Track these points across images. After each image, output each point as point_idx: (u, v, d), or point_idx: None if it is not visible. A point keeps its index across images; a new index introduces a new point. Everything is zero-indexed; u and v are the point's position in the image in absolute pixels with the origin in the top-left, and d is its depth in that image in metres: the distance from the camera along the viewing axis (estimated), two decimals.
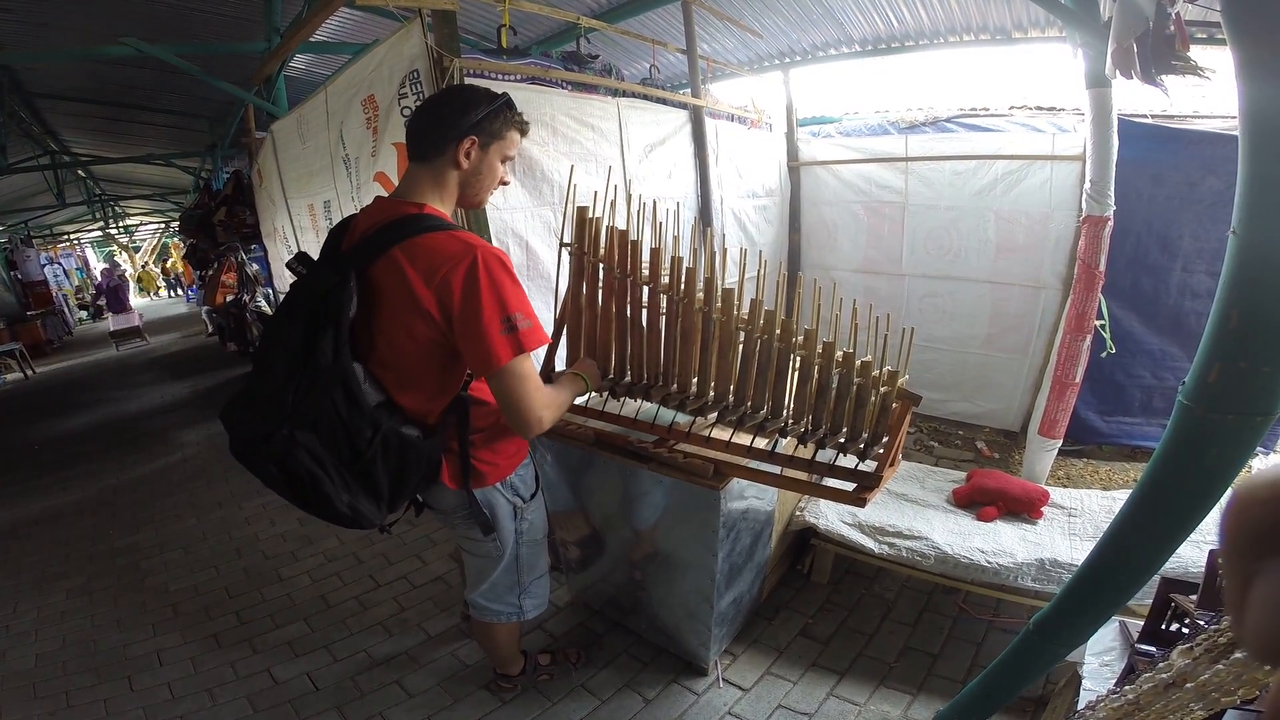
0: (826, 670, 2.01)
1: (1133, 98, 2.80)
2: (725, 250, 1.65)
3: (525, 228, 2.34)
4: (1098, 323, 2.73)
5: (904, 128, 3.84)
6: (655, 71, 3.81)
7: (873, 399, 1.40)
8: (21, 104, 5.71)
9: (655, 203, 1.68)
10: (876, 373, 1.39)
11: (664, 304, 1.65)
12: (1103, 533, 1.14)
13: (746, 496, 1.84)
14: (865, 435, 1.44)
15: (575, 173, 1.87)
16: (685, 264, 1.59)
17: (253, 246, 5.73)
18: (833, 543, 2.32)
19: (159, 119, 6.53)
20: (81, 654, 2.32)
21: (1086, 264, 2.64)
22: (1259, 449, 2.96)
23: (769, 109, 4.09)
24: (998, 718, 1.53)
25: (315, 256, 1.31)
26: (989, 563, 2.05)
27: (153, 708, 2.02)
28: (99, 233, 15.72)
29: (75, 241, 16.72)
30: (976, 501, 2.38)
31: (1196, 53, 1.76)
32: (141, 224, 16.82)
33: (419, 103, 2.04)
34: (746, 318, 1.52)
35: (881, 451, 1.43)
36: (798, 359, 1.48)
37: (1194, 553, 1.79)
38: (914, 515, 2.35)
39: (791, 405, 1.52)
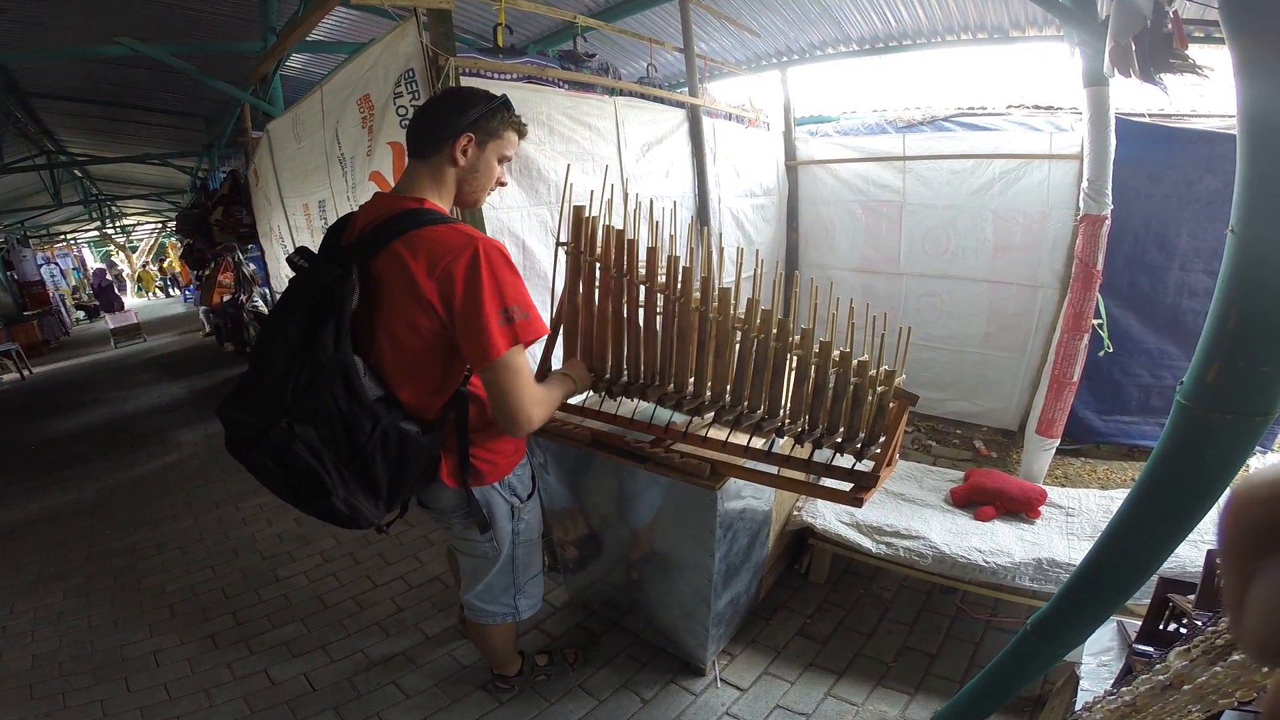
0: (824, 670, 2.01)
1: (1130, 97, 2.80)
2: (722, 249, 1.65)
3: (521, 227, 2.33)
4: (1095, 322, 2.73)
5: (901, 127, 3.83)
6: (653, 70, 3.81)
7: (870, 398, 1.40)
8: (17, 104, 5.69)
9: (652, 202, 1.67)
10: (873, 372, 1.39)
11: (661, 303, 1.64)
12: (1100, 533, 1.14)
13: (743, 496, 1.84)
14: (862, 435, 1.43)
15: (572, 172, 1.87)
16: (682, 263, 1.58)
17: (249, 246, 5.71)
18: (830, 542, 2.31)
19: (155, 118, 6.51)
20: (78, 655, 2.31)
21: (1084, 263, 2.64)
22: (1257, 448, 2.98)
23: (766, 108, 4.08)
24: (996, 717, 1.53)
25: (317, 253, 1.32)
26: (986, 562, 2.05)
27: (150, 708, 2.01)
28: (96, 233, 15.68)
29: (72, 241, 16.68)
30: (974, 501, 2.38)
31: (1194, 51, 1.75)
32: (138, 224, 16.79)
33: (415, 102, 2.03)
34: (743, 317, 1.51)
35: (879, 451, 1.42)
36: (794, 358, 1.48)
37: (1192, 552, 1.79)
38: (911, 515, 2.35)
39: (788, 405, 1.52)
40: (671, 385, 1.66)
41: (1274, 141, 0.79)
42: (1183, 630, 1.34)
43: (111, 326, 10.32)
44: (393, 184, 1.39)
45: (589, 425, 1.86)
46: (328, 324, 1.17)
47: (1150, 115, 3.02)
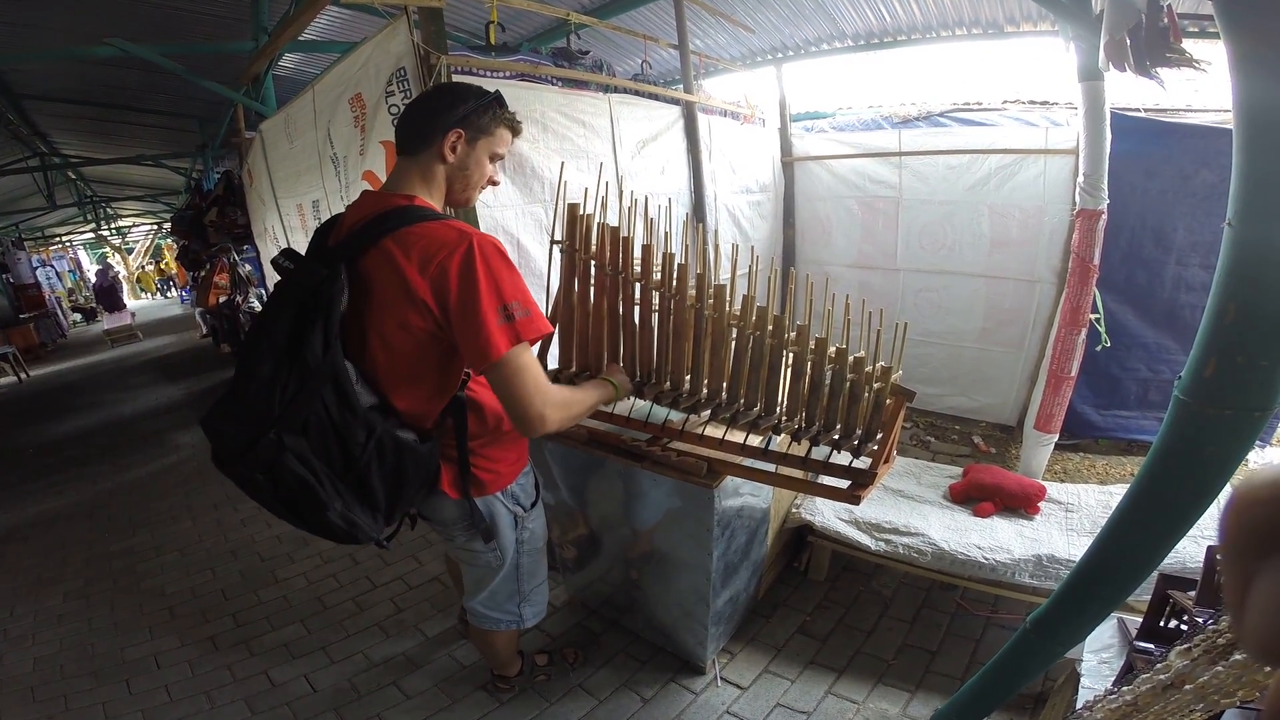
0: (825, 668, 2.01)
1: (1125, 91, 2.79)
2: (717, 246, 1.64)
3: (516, 225, 2.32)
4: (1093, 316, 2.72)
5: (897, 122, 3.82)
6: (647, 67, 3.79)
7: (866, 395, 1.40)
8: (9, 106, 5.65)
9: (647, 199, 1.67)
10: (870, 368, 1.38)
11: (656, 301, 1.63)
12: (1100, 528, 1.13)
13: (741, 494, 1.84)
14: (859, 431, 1.43)
15: (566, 169, 1.86)
16: (677, 260, 1.58)
17: (245, 247, 5.69)
18: (829, 540, 2.31)
19: (149, 120, 6.47)
20: (79, 657, 2.31)
21: (1081, 258, 2.63)
22: (1257, 443, 2.98)
23: (762, 104, 4.07)
24: (997, 715, 1.53)
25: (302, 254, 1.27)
26: (986, 559, 2.05)
27: (151, 711, 2.01)
28: (91, 234, 15.62)
29: (68, 244, 16.62)
30: (973, 497, 2.38)
31: (1189, 46, 1.75)
32: (134, 225, 16.73)
33: (407, 101, 2.02)
34: (739, 314, 1.51)
35: (876, 448, 1.42)
36: (791, 355, 1.47)
37: (1192, 548, 1.79)
38: (910, 511, 2.35)
39: (785, 402, 1.52)
40: (668, 383, 1.66)
41: (1270, 135, 0.79)
42: (1183, 627, 1.33)
43: (106, 327, 10.44)
44: (383, 183, 1.35)
45: (586, 424, 1.85)
46: (316, 327, 1.11)
47: (1145, 110, 3.01)
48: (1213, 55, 1.71)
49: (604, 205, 1.65)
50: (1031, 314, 3.43)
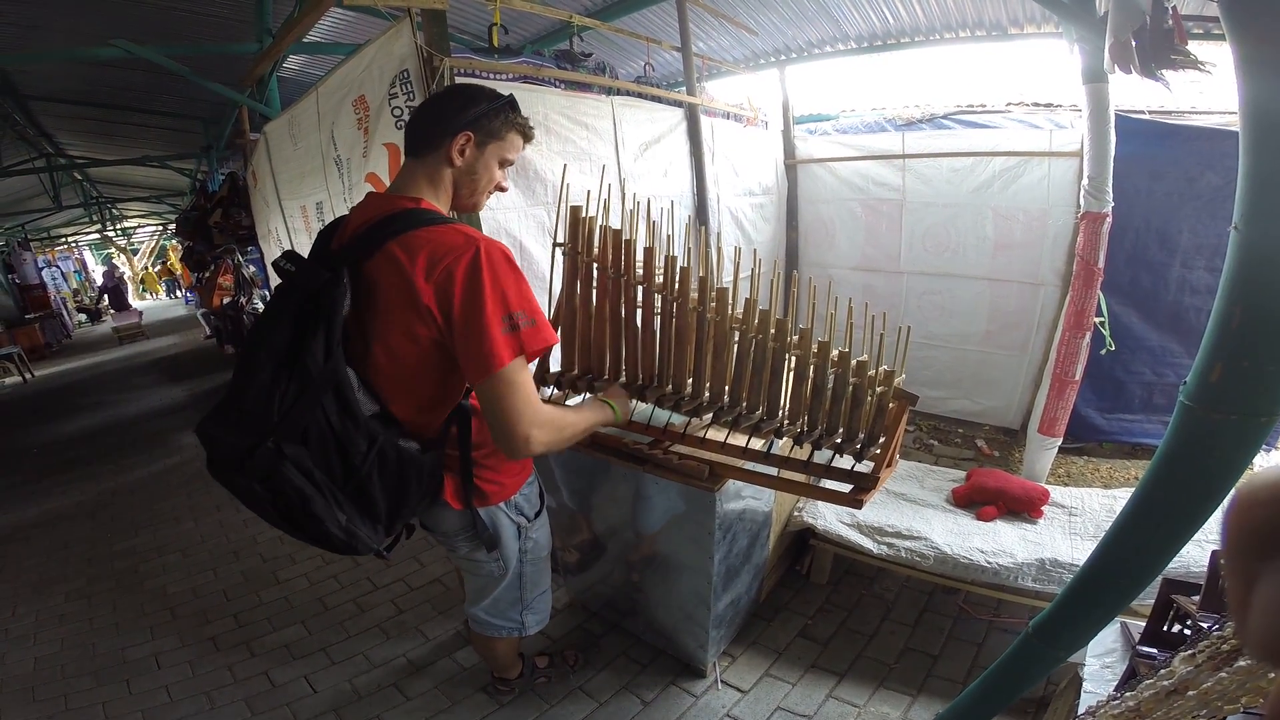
0: (826, 672, 2.00)
1: (1130, 94, 2.79)
2: (720, 249, 1.64)
3: (519, 228, 2.33)
4: (1097, 320, 2.71)
5: (901, 125, 3.82)
6: (650, 70, 3.80)
7: (869, 398, 1.39)
8: (15, 107, 5.68)
9: (649, 201, 1.66)
10: (873, 372, 1.38)
11: (658, 304, 1.63)
12: (1103, 533, 1.12)
13: (743, 497, 1.83)
14: (862, 435, 1.42)
15: (569, 172, 1.86)
16: (680, 263, 1.57)
17: (249, 249, 5.69)
18: (831, 543, 2.30)
19: (154, 121, 6.49)
20: (80, 657, 2.31)
21: (1085, 261, 2.63)
22: (1263, 446, 2.97)
23: (765, 107, 4.07)
24: (998, 719, 1.52)
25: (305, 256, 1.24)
26: (988, 563, 2.04)
27: (151, 711, 2.01)
28: (97, 235, 15.70)
29: (73, 244, 16.70)
30: (976, 501, 2.37)
31: (1194, 47, 1.74)
32: (139, 226, 16.80)
33: (410, 103, 2.02)
34: (741, 317, 1.50)
35: (878, 452, 1.42)
36: (793, 358, 1.47)
37: (1196, 552, 1.77)
38: (913, 515, 2.34)
39: (787, 405, 1.51)
40: (669, 386, 1.65)
41: (1277, 137, 0.78)
42: (1187, 632, 1.32)
43: (114, 325, 10.62)
44: (389, 185, 1.33)
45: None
46: (317, 333, 1.08)
47: (1150, 112, 3.00)
48: (1218, 57, 1.71)
49: (606, 208, 1.65)
50: (1035, 317, 3.43)
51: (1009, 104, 3.64)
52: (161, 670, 2.20)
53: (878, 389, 1.38)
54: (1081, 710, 1.22)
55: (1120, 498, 2.34)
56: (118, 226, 15.24)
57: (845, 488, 1.48)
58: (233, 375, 1.13)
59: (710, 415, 1.60)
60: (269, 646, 2.28)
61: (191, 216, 6.23)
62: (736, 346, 1.53)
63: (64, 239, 15.45)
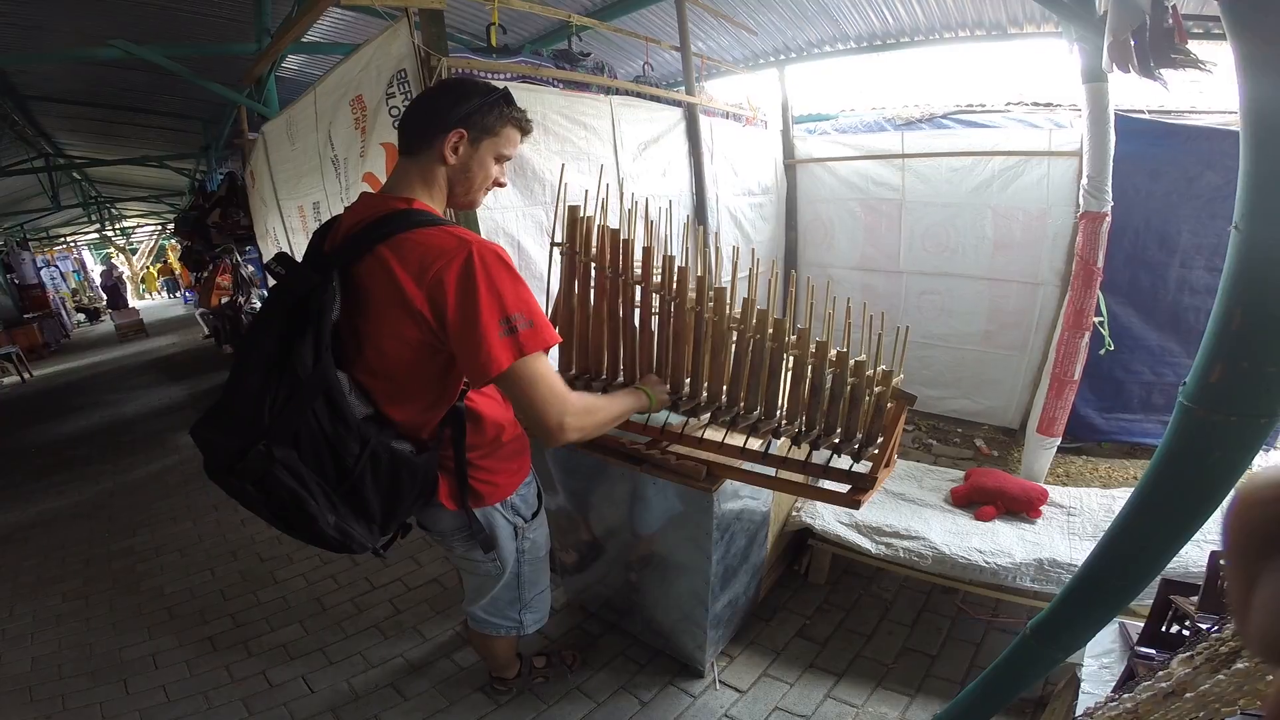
0: (824, 672, 2.00)
1: (1130, 93, 2.78)
2: (718, 249, 1.63)
3: (517, 228, 2.32)
4: (1096, 320, 2.71)
5: (900, 124, 3.82)
6: (649, 69, 3.80)
7: (867, 398, 1.39)
8: (14, 107, 5.68)
9: (648, 201, 1.66)
10: (871, 372, 1.37)
11: (656, 303, 1.63)
12: (1102, 533, 1.12)
13: (741, 497, 1.83)
14: (860, 436, 1.42)
15: (567, 171, 1.86)
16: (677, 263, 1.57)
17: (247, 248, 5.70)
18: (830, 543, 2.30)
19: (153, 121, 6.49)
20: (77, 657, 2.31)
21: (1084, 260, 2.62)
22: (1264, 446, 2.96)
23: (764, 106, 4.07)
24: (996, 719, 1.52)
25: (300, 258, 1.23)
26: (987, 563, 2.04)
27: (148, 711, 2.01)
28: (95, 235, 15.69)
29: (72, 244, 16.69)
30: (975, 501, 2.37)
31: (1194, 46, 1.73)
32: (138, 226, 16.79)
33: (408, 102, 2.02)
34: (739, 317, 1.50)
35: (876, 452, 1.41)
36: (791, 358, 1.47)
37: (1195, 553, 1.77)
38: (911, 515, 2.34)
39: (785, 405, 1.51)
40: (668, 386, 1.65)
41: (1278, 136, 0.77)
42: (1185, 633, 1.32)
43: (116, 322, 10.79)
44: (383, 185, 1.31)
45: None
46: (306, 337, 1.07)
47: (1150, 112, 3.00)
48: (1218, 56, 1.70)
49: (605, 207, 1.65)
50: (1035, 317, 3.43)
51: (1008, 104, 3.64)
52: (159, 670, 2.20)
53: (876, 389, 1.38)
54: (1079, 711, 1.22)
55: (1119, 498, 2.34)
56: (116, 226, 15.24)
57: (843, 488, 1.48)
58: (227, 378, 1.13)
59: (708, 415, 1.60)
60: (266, 646, 2.28)
61: (190, 216, 6.23)
62: (734, 346, 1.53)
63: (63, 239, 15.45)
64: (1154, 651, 1.27)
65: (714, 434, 1.64)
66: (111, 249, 17.49)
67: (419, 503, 1.31)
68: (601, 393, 1.70)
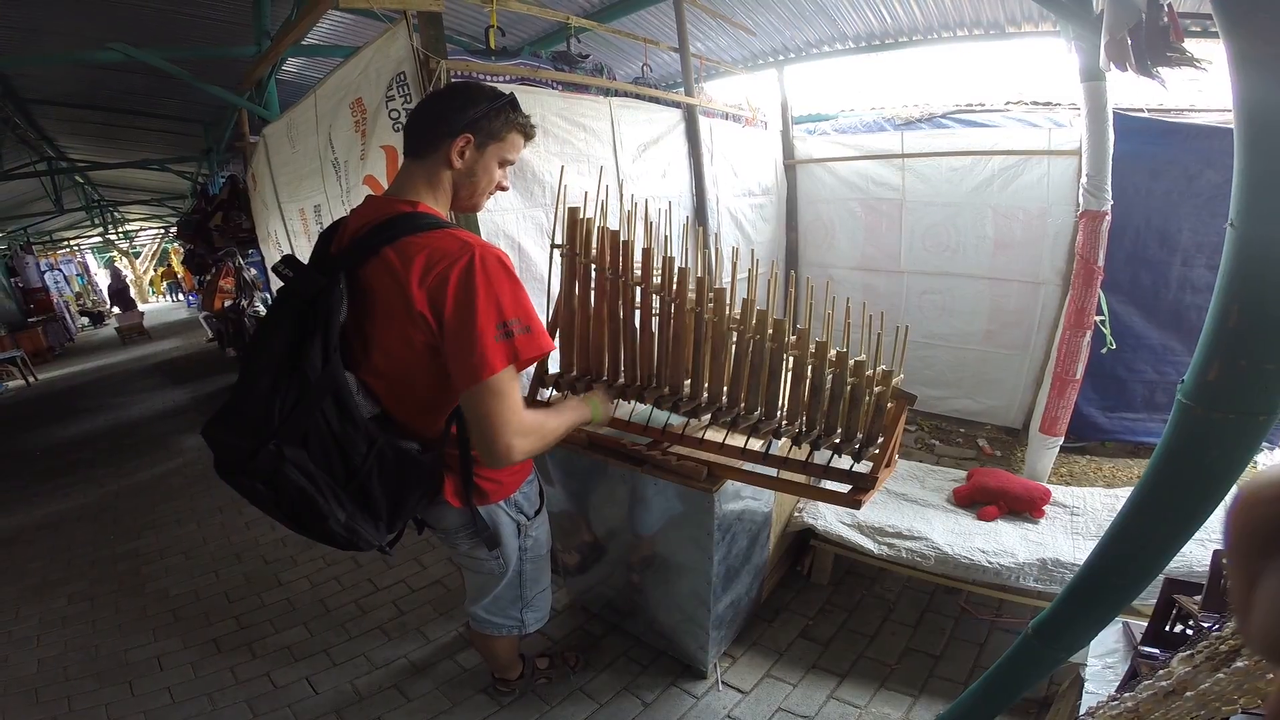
0: (827, 672, 2.00)
1: (1129, 92, 2.78)
2: (717, 250, 1.64)
3: (517, 229, 2.33)
4: (1097, 318, 2.71)
5: (900, 124, 3.82)
6: (648, 71, 3.80)
7: (867, 399, 1.39)
8: (16, 110, 5.70)
9: (647, 202, 1.66)
10: (870, 372, 1.37)
11: (656, 305, 1.63)
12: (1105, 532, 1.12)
13: (742, 498, 1.83)
14: (860, 436, 1.42)
15: (567, 173, 1.86)
16: (677, 264, 1.57)
17: (250, 251, 5.72)
18: (832, 544, 2.30)
19: (154, 124, 6.51)
20: (83, 659, 2.32)
21: (1085, 259, 2.62)
22: (1265, 445, 2.95)
23: (764, 107, 4.07)
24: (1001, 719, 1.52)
25: (305, 261, 1.25)
26: (990, 563, 2.04)
27: (153, 712, 2.02)
28: (99, 238, 15.75)
29: (75, 248, 16.75)
30: (977, 501, 2.36)
31: (1191, 45, 1.73)
32: (141, 229, 16.85)
33: (407, 105, 2.02)
34: (739, 318, 1.50)
35: (877, 452, 1.41)
36: (791, 359, 1.47)
37: (1199, 552, 1.77)
38: (914, 515, 2.33)
39: (785, 406, 1.51)
40: (668, 387, 1.65)
41: (1272, 134, 0.77)
42: (1189, 632, 1.32)
43: (117, 325, 10.98)
44: (386, 188, 1.33)
45: (586, 429, 1.85)
46: (314, 339, 1.10)
47: (1149, 110, 3.00)
48: (1214, 54, 1.70)
49: (604, 209, 1.65)
50: (1036, 316, 3.42)
51: (1008, 103, 3.65)
52: (164, 672, 2.21)
53: (875, 389, 1.38)
54: (1083, 711, 1.22)
55: (1122, 497, 2.31)
56: (119, 230, 15.29)
57: (844, 488, 1.48)
58: (236, 379, 1.16)
59: (708, 416, 1.60)
60: (271, 648, 2.29)
61: (192, 219, 6.25)
62: (734, 347, 1.53)
63: (66, 242, 15.49)
64: (1158, 651, 1.27)
65: (715, 435, 1.64)
66: (115, 252, 17.55)
67: (425, 500, 1.33)
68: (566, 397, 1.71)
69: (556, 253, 1.77)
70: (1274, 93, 0.75)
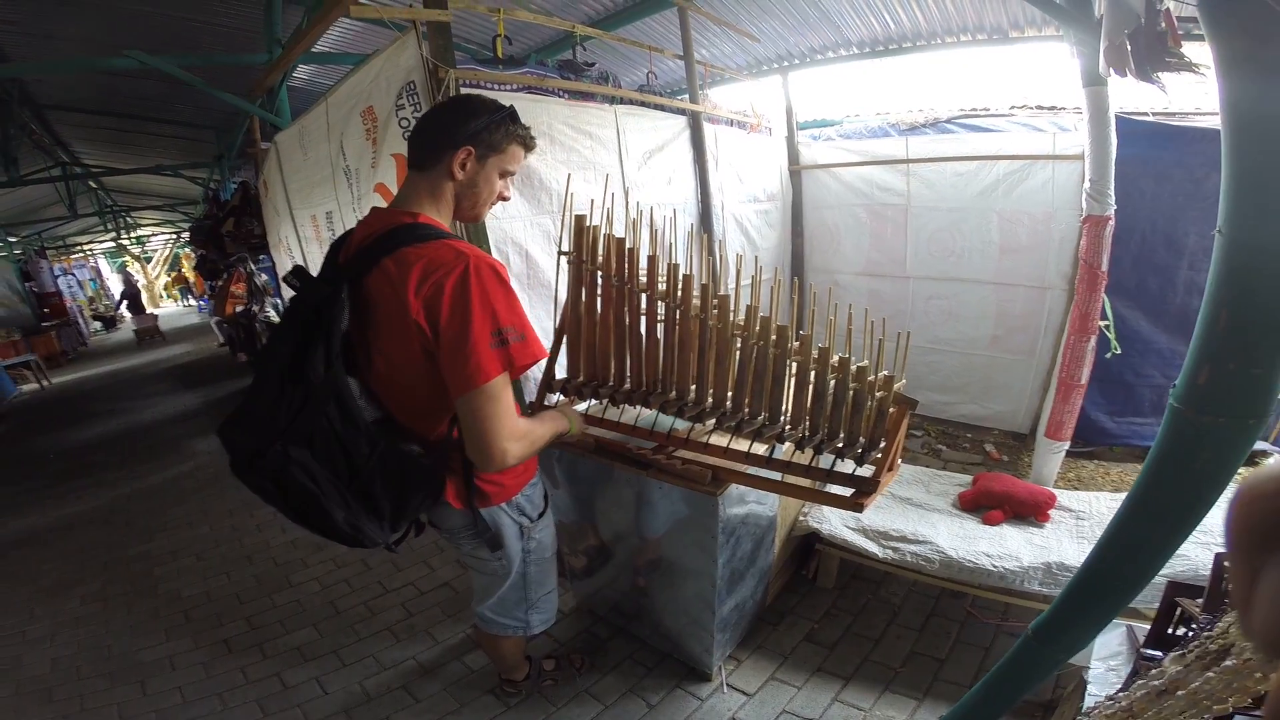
0: (832, 675, 2.00)
1: (1134, 96, 2.78)
2: (722, 256, 1.66)
3: (524, 236, 2.35)
4: (1102, 323, 2.70)
5: (904, 129, 3.83)
6: (653, 78, 3.82)
7: (869, 403, 1.40)
8: (32, 116, 5.80)
9: (653, 209, 1.69)
10: (872, 377, 1.39)
11: (662, 311, 1.65)
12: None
13: (746, 502, 1.84)
14: (863, 440, 1.44)
15: (573, 181, 1.89)
16: (682, 270, 1.60)
17: (261, 257, 5.77)
18: (837, 548, 2.31)
19: (167, 130, 6.61)
20: (96, 659, 2.35)
21: (1089, 264, 2.62)
22: (1269, 448, 2.93)
23: (768, 113, 4.08)
24: None
25: (318, 267, 1.30)
26: (995, 567, 2.04)
27: (165, 712, 2.05)
28: (111, 243, 15.93)
29: (89, 253, 16.95)
30: (982, 505, 2.37)
31: (1190, 49, 1.74)
32: (153, 234, 17.03)
33: (416, 114, 2.06)
34: (743, 324, 1.52)
35: (879, 456, 1.43)
36: (794, 364, 1.49)
37: (1203, 555, 1.77)
38: (919, 519, 2.34)
39: (789, 411, 1.53)
40: (673, 392, 1.67)
41: (1256, 138, 0.78)
42: (1191, 635, 1.32)
43: (135, 327, 11.41)
44: (393, 198, 1.37)
45: (592, 432, 1.87)
46: (317, 346, 1.15)
47: (1154, 114, 3.00)
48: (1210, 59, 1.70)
49: (610, 217, 1.68)
50: (1042, 321, 3.41)
51: (1012, 107, 3.65)
52: (176, 672, 2.24)
53: (877, 394, 1.39)
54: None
55: None
56: (132, 235, 15.47)
57: (848, 492, 1.49)
58: (250, 383, 1.22)
59: (713, 421, 1.62)
60: (281, 649, 2.32)
61: (205, 225, 6.33)
62: (738, 353, 1.55)
63: (79, 247, 15.68)
64: (1160, 653, 1.27)
65: (719, 439, 1.65)
66: (127, 257, 17.74)
67: (428, 501, 1.36)
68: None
69: (564, 260, 1.80)
70: (1259, 95, 0.76)
